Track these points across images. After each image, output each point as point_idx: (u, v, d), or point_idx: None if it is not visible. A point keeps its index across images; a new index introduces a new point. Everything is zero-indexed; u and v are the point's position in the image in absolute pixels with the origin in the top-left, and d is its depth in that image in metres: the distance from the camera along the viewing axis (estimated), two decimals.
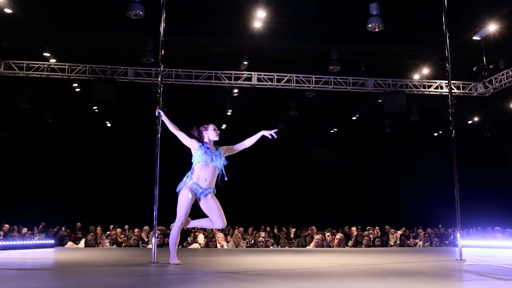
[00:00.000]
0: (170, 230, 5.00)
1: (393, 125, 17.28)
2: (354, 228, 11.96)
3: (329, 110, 16.40)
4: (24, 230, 11.89)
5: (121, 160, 15.85)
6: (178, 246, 5.03)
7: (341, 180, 17.40)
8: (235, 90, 13.64)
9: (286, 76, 12.90)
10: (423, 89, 13.53)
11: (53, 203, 13.80)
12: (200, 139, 4.99)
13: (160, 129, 5.19)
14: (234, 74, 12.76)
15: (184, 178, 4.89)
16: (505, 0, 9.90)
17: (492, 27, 10.35)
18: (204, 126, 5.03)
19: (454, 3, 6.81)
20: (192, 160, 4.92)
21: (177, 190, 4.88)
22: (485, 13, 10.18)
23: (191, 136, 5.00)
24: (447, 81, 9.38)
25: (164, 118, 5.09)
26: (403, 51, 12.63)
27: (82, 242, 9.16)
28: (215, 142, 5.03)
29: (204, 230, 9.90)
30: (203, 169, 4.82)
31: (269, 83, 12.89)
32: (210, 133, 4.98)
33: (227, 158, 4.99)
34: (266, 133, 5.03)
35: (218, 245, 8.69)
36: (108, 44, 12.53)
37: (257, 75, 12.84)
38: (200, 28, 11.15)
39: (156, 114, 5.16)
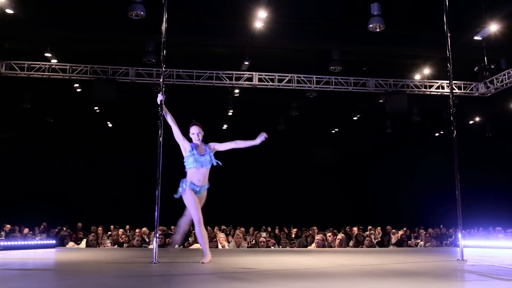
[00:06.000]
0: (173, 231, 5.02)
1: (394, 125, 17.29)
2: (355, 228, 11.96)
3: (330, 110, 16.41)
4: (26, 230, 11.90)
5: (122, 161, 15.86)
6: (180, 246, 5.04)
7: (342, 180, 17.39)
8: (236, 90, 13.65)
9: (287, 76, 12.90)
10: (424, 89, 13.53)
11: (55, 204, 13.81)
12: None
13: (162, 130, 5.17)
14: (235, 74, 12.76)
15: (181, 184, 4.95)
16: (506, 0, 9.91)
17: (493, 27, 10.36)
18: (189, 126, 5.03)
19: (455, 3, 6.81)
20: (185, 163, 4.98)
21: (178, 195, 4.92)
22: (486, 13, 10.18)
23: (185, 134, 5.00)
24: (448, 81, 9.37)
25: (163, 107, 5.06)
26: (404, 51, 12.63)
27: (84, 242, 9.16)
28: (205, 140, 5.03)
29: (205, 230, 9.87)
30: (196, 172, 4.94)
31: (270, 83, 12.89)
32: (192, 137, 5.03)
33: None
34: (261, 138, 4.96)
35: (219, 245, 8.69)
36: (110, 44, 12.56)
37: (258, 75, 12.84)
38: (201, 28, 11.16)
39: (158, 101, 5.09)
